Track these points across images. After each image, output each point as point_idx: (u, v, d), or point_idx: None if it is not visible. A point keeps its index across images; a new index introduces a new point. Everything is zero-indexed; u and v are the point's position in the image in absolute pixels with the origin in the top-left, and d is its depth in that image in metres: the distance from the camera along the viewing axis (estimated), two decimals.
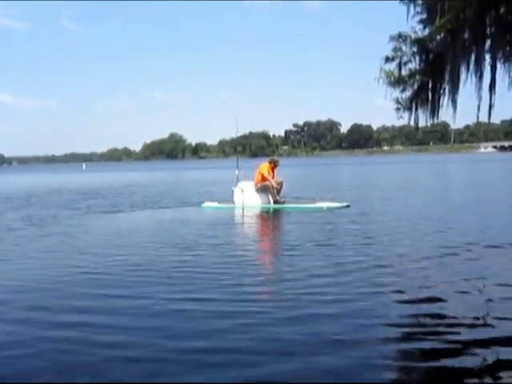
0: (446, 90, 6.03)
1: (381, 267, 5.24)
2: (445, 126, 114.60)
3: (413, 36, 5.84)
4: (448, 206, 11.09)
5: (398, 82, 6.04)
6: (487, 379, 2.71)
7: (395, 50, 5.91)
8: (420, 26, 5.84)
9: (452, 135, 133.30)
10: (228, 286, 4.65)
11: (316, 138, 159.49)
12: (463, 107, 6.05)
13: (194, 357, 3.05)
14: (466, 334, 3.31)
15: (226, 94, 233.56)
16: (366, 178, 27.55)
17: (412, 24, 5.80)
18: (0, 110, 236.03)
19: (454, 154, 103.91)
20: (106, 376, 2.85)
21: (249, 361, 2.97)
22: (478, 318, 3.63)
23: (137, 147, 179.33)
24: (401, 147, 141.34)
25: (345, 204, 11.37)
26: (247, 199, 12.21)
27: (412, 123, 6.43)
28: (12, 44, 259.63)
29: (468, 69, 5.69)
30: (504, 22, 5.11)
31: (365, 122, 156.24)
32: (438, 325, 3.54)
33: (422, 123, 6.40)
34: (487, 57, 5.53)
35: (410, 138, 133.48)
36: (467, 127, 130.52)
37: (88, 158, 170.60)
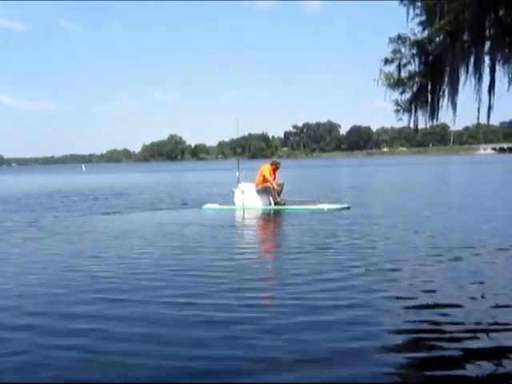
0: (446, 92, 6.04)
1: (381, 271, 5.24)
2: (444, 127, 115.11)
3: (412, 38, 5.84)
4: (447, 208, 11.09)
5: (397, 83, 6.05)
6: None
7: (394, 51, 5.91)
8: (419, 28, 5.84)
9: (451, 137, 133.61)
10: (228, 290, 4.61)
11: (315, 139, 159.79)
12: (462, 109, 6.06)
13: (191, 364, 3.01)
14: (467, 341, 3.28)
15: (225, 96, 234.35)
16: (366, 179, 27.58)
17: (411, 26, 5.82)
18: None
19: (454, 155, 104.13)
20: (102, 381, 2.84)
21: (247, 369, 2.93)
22: (479, 323, 3.58)
23: (136, 148, 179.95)
24: (404, 148, 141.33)
25: (345, 205, 11.40)
26: (248, 201, 12.20)
27: (411, 125, 6.43)
28: (11, 45, 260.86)
29: (467, 71, 5.69)
30: (503, 24, 5.11)
31: (364, 124, 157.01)
32: (438, 331, 3.50)
33: (421, 125, 6.40)
34: (486, 59, 5.53)
35: (410, 139, 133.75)
36: (466, 129, 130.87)
37: (87, 160, 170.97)
